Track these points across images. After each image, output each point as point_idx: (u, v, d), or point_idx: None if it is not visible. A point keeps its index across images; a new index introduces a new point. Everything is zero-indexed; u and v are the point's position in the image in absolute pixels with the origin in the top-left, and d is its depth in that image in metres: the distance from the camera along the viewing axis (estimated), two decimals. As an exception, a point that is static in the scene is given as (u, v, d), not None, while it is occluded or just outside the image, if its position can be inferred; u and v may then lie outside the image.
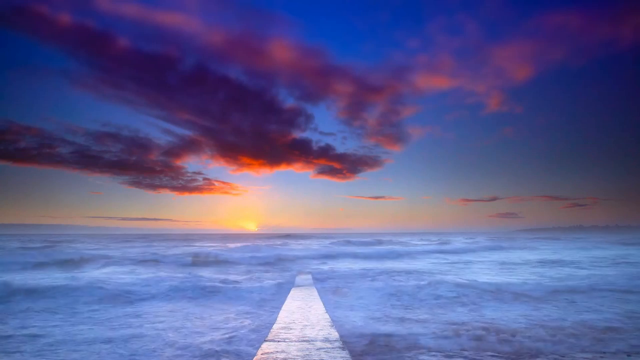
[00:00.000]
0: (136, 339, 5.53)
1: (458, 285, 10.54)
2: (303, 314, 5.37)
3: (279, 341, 3.82)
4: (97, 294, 8.57)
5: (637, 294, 9.01)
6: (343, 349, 3.53)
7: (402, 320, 6.71)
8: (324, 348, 3.55)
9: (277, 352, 3.45)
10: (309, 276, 12.02)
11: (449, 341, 5.32)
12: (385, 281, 11.87)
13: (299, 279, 11.34)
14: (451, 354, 4.76)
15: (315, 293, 7.89)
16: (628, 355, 4.55)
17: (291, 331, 4.27)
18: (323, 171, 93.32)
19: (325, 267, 15.54)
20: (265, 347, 3.62)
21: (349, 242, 38.40)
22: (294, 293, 7.94)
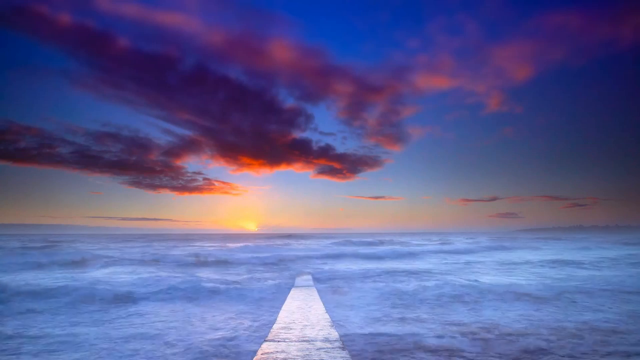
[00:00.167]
0: (137, 339, 5.53)
1: (466, 286, 10.53)
2: (303, 314, 5.36)
3: (279, 341, 3.82)
4: (97, 294, 8.56)
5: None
6: (343, 349, 3.53)
7: (403, 320, 6.71)
8: (324, 348, 3.55)
9: (277, 352, 3.44)
10: (309, 276, 12.02)
11: (456, 345, 5.32)
12: (388, 281, 11.87)
13: (299, 279, 11.34)
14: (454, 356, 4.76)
15: (315, 293, 7.88)
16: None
17: (291, 331, 4.26)
18: (323, 171, 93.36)
19: (327, 267, 15.54)
20: (265, 347, 3.61)
21: (350, 242, 38.34)
22: (294, 293, 7.93)
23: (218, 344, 5.24)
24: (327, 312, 5.58)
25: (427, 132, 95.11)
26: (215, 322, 6.63)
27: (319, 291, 8.49)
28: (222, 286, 10.01)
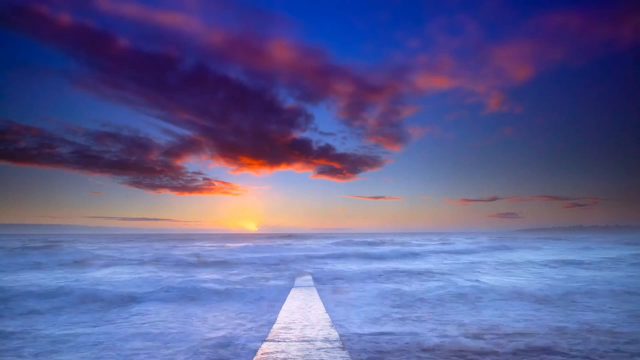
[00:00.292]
0: (137, 339, 5.54)
1: (472, 287, 10.54)
2: (303, 314, 5.37)
3: (279, 341, 3.83)
4: (98, 294, 8.57)
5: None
6: (343, 349, 3.54)
7: (404, 321, 6.72)
8: (324, 348, 3.56)
9: (277, 352, 3.45)
10: (309, 276, 12.03)
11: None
12: (390, 282, 11.87)
13: (299, 279, 11.35)
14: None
15: (315, 293, 7.89)
16: None
17: (291, 331, 4.27)
18: (323, 171, 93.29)
19: (328, 268, 15.54)
20: (266, 347, 3.62)
21: (351, 242, 38.28)
22: (294, 293, 7.94)
23: (218, 344, 5.25)
24: (327, 312, 5.59)
25: (427, 132, 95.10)
26: (215, 322, 6.64)
27: (319, 291, 8.50)
28: (222, 286, 10.02)
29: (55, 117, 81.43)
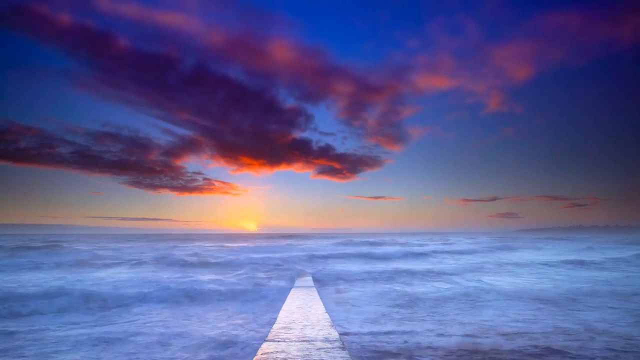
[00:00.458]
0: (137, 339, 5.54)
1: (483, 289, 10.54)
2: (303, 314, 5.38)
3: (279, 341, 3.84)
4: (98, 295, 8.56)
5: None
6: (343, 349, 3.54)
7: (406, 323, 6.72)
8: (324, 348, 3.56)
9: (277, 352, 3.46)
10: (309, 277, 12.03)
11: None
12: (392, 283, 11.87)
13: (299, 279, 11.36)
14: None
15: (315, 293, 7.90)
16: None
17: (291, 331, 4.28)
18: (323, 171, 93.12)
19: (329, 268, 15.54)
20: (266, 347, 3.63)
21: (352, 243, 38.21)
22: (294, 293, 7.95)
23: (218, 344, 5.26)
24: (327, 312, 5.60)
25: (427, 132, 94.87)
26: (215, 322, 6.64)
27: (319, 291, 8.51)
28: (222, 287, 10.02)
29: (55, 117, 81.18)
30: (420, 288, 10.37)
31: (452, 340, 5.35)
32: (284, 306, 6.21)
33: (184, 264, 15.92)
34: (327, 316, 5.22)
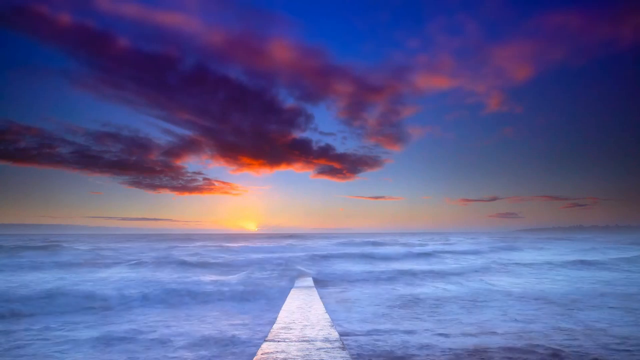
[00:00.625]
0: (137, 339, 5.54)
1: (492, 291, 10.52)
2: (303, 314, 5.38)
3: (279, 341, 3.83)
4: (98, 295, 8.56)
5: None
6: (343, 349, 3.54)
7: (407, 322, 6.71)
8: (324, 348, 3.56)
9: (277, 352, 3.46)
10: (309, 277, 12.03)
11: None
12: (392, 283, 11.87)
13: (299, 279, 11.36)
14: None
15: (315, 293, 7.90)
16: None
17: (291, 331, 4.27)
18: (323, 171, 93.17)
19: (330, 268, 15.54)
20: (265, 347, 3.62)
21: (353, 243, 38.15)
22: (294, 293, 7.95)
23: (218, 344, 5.26)
24: (327, 312, 5.59)
25: (427, 132, 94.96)
26: (215, 322, 6.64)
27: (319, 292, 8.51)
28: (222, 287, 10.02)
29: (55, 117, 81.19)
30: (422, 289, 10.37)
31: (453, 342, 5.34)
32: (284, 306, 6.21)
33: (184, 264, 15.91)
34: (327, 316, 5.22)
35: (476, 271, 14.34)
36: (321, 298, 7.34)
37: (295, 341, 3.83)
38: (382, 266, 16.23)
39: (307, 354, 3.36)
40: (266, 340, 3.87)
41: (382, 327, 6.19)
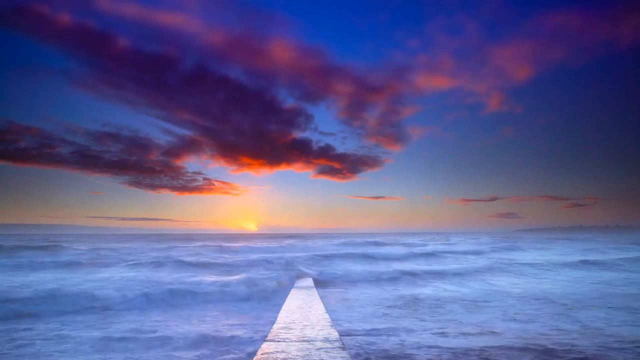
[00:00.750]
0: (136, 339, 5.54)
1: (499, 292, 10.50)
2: (303, 314, 5.37)
3: (279, 341, 3.83)
4: (98, 296, 8.56)
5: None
6: (343, 349, 3.53)
7: (408, 323, 6.71)
8: (324, 348, 3.55)
9: (277, 352, 3.45)
10: (309, 277, 12.03)
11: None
12: (394, 284, 11.86)
13: (299, 279, 11.36)
14: None
15: (315, 293, 7.89)
16: None
17: (291, 331, 4.27)
18: (323, 171, 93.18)
19: (331, 269, 15.53)
20: (265, 347, 3.62)
21: (354, 243, 38.07)
22: (294, 293, 7.94)
23: (218, 344, 5.25)
24: (327, 312, 5.59)
25: (427, 132, 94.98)
26: (215, 322, 6.64)
27: (320, 292, 8.50)
28: (222, 286, 10.02)
29: (55, 117, 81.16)
30: (423, 289, 10.37)
31: (453, 342, 5.34)
32: (284, 306, 6.21)
33: (184, 264, 15.90)
34: (327, 316, 5.21)
35: (478, 271, 14.29)
36: (321, 298, 7.34)
37: (295, 341, 3.83)
38: (383, 266, 16.22)
39: (307, 354, 3.36)
40: (266, 340, 3.86)
41: (382, 327, 6.18)
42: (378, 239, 44.59)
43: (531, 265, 16.24)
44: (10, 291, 8.52)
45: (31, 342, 5.34)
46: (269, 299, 8.93)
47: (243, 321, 6.75)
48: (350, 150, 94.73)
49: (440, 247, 29.19)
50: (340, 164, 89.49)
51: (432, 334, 5.74)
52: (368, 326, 6.22)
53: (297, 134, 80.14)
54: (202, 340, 5.42)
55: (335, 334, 4.12)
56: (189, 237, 66.33)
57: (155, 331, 5.94)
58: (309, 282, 10.63)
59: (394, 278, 12.41)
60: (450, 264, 17.51)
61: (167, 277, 11.74)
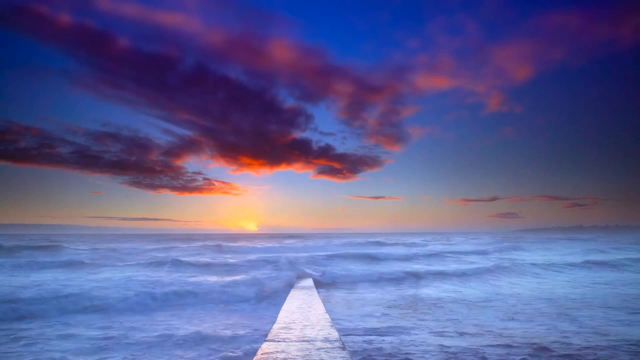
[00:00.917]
0: (136, 340, 5.55)
1: (507, 294, 10.51)
2: (303, 314, 5.38)
3: (279, 341, 3.84)
4: (98, 296, 8.57)
5: None
6: (343, 349, 3.55)
7: (409, 323, 6.71)
8: (324, 348, 3.57)
9: (277, 352, 3.46)
10: (309, 277, 12.04)
11: None
12: (395, 284, 11.87)
13: (299, 279, 11.37)
14: None
15: (315, 293, 7.91)
16: None
17: (291, 331, 4.28)
18: (323, 171, 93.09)
19: (331, 269, 15.54)
20: (265, 347, 3.63)
21: (355, 243, 38.02)
22: (294, 293, 7.96)
23: (218, 344, 5.27)
24: (327, 312, 5.60)
25: (427, 132, 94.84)
26: (215, 322, 6.65)
27: (319, 292, 8.51)
28: (222, 287, 10.03)
29: (55, 117, 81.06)
30: (424, 289, 10.37)
31: (454, 342, 5.35)
32: (284, 306, 6.22)
33: (184, 264, 15.92)
34: (327, 316, 5.22)
35: (485, 272, 14.06)
36: (322, 298, 7.35)
37: (295, 341, 3.84)
38: (384, 266, 16.23)
39: (307, 354, 3.37)
40: (266, 340, 3.87)
41: (382, 327, 6.20)
42: (379, 239, 44.56)
43: (538, 265, 16.04)
44: (13, 292, 8.54)
45: (34, 342, 5.35)
46: (269, 299, 8.94)
47: (243, 321, 6.76)
48: (350, 150, 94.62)
49: (442, 247, 29.12)
50: (340, 164, 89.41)
51: (433, 334, 5.75)
52: (368, 326, 6.23)
53: (297, 134, 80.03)
54: (202, 340, 5.43)
55: (335, 334, 4.13)
56: (189, 237, 66.33)
57: (156, 331, 5.95)
58: (309, 282, 10.64)
59: (396, 278, 12.41)
60: (453, 265, 17.49)
61: (168, 277, 11.75)
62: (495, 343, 5.20)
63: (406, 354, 4.77)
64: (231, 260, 18.02)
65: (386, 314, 7.22)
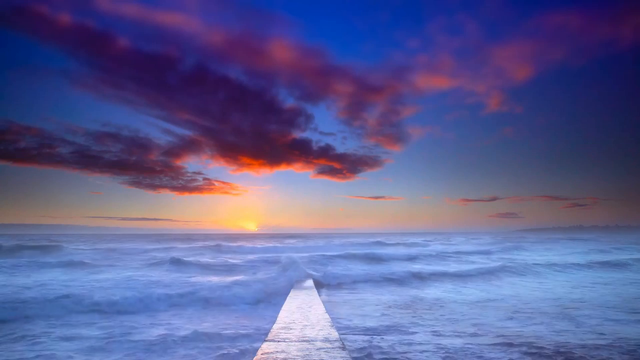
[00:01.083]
0: (138, 340, 5.56)
1: (510, 294, 10.49)
2: (303, 314, 5.39)
3: (279, 341, 3.85)
4: (98, 296, 8.58)
5: None
6: (343, 349, 3.55)
7: (410, 324, 6.72)
8: (324, 348, 3.57)
9: (277, 352, 3.47)
10: (309, 277, 12.04)
11: None
12: (394, 284, 11.87)
13: (299, 279, 11.37)
14: None
15: (315, 294, 7.91)
16: None
17: (291, 331, 4.29)
18: (323, 171, 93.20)
19: (331, 269, 15.54)
20: (265, 347, 3.63)
21: (355, 243, 38.00)
22: (294, 293, 7.96)
23: (218, 344, 5.28)
24: (326, 312, 5.61)
25: (427, 132, 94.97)
26: (215, 322, 6.65)
27: (319, 292, 8.52)
28: (222, 287, 10.03)
29: (55, 117, 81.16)
30: (425, 289, 10.37)
31: (453, 342, 5.36)
32: (284, 306, 6.22)
33: (184, 264, 15.93)
34: (327, 316, 5.23)
35: (481, 272, 14.12)
36: (321, 298, 7.36)
37: (295, 341, 3.84)
38: (384, 266, 16.23)
39: (307, 354, 3.38)
40: (266, 340, 3.88)
41: (382, 326, 6.20)
42: (379, 239, 44.56)
43: (540, 265, 15.94)
44: (15, 292, 8.55)
45: (37, 342, 5.36)
46: (269, 299, 8.94)
47: (243, 321, 6.77)
48: (350, 150, 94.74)
49: (444, 248, 29.09)
50: (340, 164, 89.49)
51: (432, 333, 5.75)
52: (368, 326, 6.24)
53: (297, 134, 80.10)
54: (203, 340, 5.44)
55: (335, 334, 4.13)
56: (189, 237, 66.34)
57: (156, 330, 5.96)
58: (309, 282, 10.65)
59: (397, 279, 12.40)
60: (455, 265, 17.49)
61: (168, 277, 11.76)
62: (494, 342, 5.21)
63: (406, 353, 4.77)
64: (231, 260, 18.02)
65: (386, 314, 7.23)
